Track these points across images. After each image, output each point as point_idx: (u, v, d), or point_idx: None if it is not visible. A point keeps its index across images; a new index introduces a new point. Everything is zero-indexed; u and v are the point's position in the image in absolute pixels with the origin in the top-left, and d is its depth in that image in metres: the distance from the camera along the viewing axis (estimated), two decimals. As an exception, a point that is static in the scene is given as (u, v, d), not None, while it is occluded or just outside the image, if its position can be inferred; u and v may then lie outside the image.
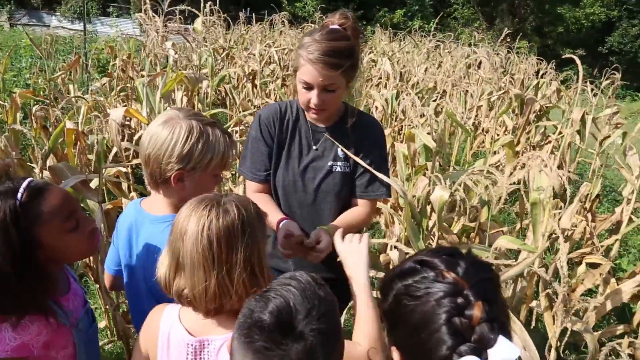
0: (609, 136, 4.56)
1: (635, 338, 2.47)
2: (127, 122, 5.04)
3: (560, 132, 5.38)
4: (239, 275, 1.04)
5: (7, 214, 1.07)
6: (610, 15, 26.22)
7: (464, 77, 7.18)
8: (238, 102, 5.94)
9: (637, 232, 4.74)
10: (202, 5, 6.21)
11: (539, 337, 2.25)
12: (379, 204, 2.89)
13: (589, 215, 3.97)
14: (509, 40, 11.82)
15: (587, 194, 4.12)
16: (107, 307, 2.55)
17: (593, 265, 3.21)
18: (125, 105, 4.85)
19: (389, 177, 1.73)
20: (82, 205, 2.01)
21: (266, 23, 10.69)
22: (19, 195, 1.09)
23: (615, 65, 6.97)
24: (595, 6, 26.08)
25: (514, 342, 0.73)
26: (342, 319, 1.84)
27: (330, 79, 1.52)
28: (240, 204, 1.08)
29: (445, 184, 2.41)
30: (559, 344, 1.96)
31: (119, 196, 3.25)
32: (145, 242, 1.36)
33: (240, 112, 5.14)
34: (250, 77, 6.75)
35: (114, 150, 3.58)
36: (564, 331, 1.87)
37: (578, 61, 3.31)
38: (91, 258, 2.56)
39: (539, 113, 6.26)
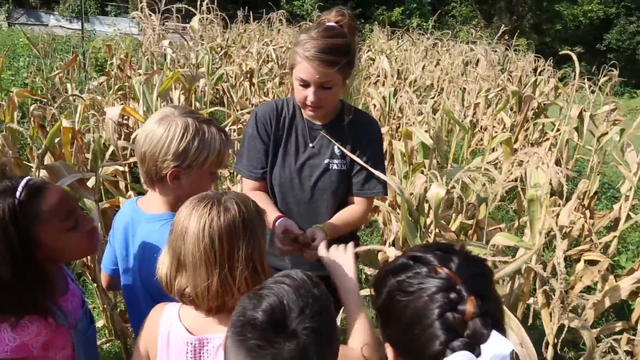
0: (606, 133, 4.57)
1: (634, 335, 2.46)
2: (124, 121, 5.04)
3: (558, 129, 5.39)
4: (241, 272, 1.04)
5: (6, 212, 1.06)
6: (608, 12, 26.20)
7: (462, 75, 7.17)
8: (236, 100, 5.93)
9: (635, 229, 4.74)
10: (198, 3, 6.19)
11: (537, 334, 2.24)
12: (377, 202, 2.89)
13: (587, 212, 3.97)
14: (506, 37, 11.82)
15: (585, 191, 4.12)
16: (105, 306, 2.54)
17: (591, 263, 3.22)
18: (122, 104, 4.84)
19: (385, 174, 1.73)
20: (79, 204, 2.01)
21: (264, 21, 10.66)
22: (18, 193, 1.08)
23: (613, 62, 6.97)
24: (593, 3, 26.06)
25: (510, 338, 0.73)
26: (339, 318, 1.84)
27: (327, 76, 1.52)
28: (241, 201, 1.08)
29: (443, 181, 2.40)
30: (556, 341, 1.96)
31: (117, 195, 3.24)
32: (142, 241, 1.35)
33: (238, 111, 5.13)
34: (248, 76, 6.73)
35: (111, 149, 3.57)
36: (561, 328, 1.87)
37: (575, 58, 3.31)
38: (89, 257, 2.55)
39: (537, 110, 6.27)
